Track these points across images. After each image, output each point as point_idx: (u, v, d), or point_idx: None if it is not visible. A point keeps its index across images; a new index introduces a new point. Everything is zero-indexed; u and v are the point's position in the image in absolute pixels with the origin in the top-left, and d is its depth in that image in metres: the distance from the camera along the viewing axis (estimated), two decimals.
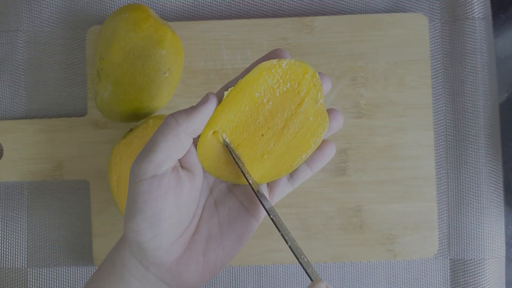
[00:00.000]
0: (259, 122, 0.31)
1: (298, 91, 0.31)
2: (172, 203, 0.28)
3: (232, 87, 0.30)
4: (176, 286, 0.30)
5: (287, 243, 0.28)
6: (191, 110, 0.28)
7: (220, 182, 0.32)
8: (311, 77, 0.30)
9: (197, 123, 0.28)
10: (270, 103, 0.30)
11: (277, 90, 0.30)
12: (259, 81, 0.30)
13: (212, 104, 0.29)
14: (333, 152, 0.32)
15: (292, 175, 0.32)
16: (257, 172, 0.31)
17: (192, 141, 0.29)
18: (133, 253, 0.29)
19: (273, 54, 0.31)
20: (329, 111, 0.32)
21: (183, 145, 0.28)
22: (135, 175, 0.28)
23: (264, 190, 0.32)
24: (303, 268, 0.28)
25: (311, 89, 0.31)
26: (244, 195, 0.31)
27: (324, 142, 0.32)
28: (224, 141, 0.30)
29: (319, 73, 0.31)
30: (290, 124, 0.31)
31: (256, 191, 0.30)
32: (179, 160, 0.30)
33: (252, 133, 0.31)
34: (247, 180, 0.30)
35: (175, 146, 0.28)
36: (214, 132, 0.30)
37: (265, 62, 0.30)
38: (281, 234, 0.28)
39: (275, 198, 0.32)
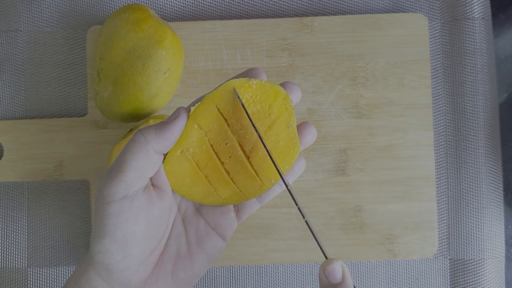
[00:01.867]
0: (227, 144, 0.29)
1: (269, 113, 0.29)
2: (143, 224, 0.27)
3: (199, 102, 0.28)
4: None
5: (303, 217, 0.28)
6: (161, 126, 0.27)
7: (187, 201, 0.31)
8: (283, 100, 0.29)
9: (167, 140, 0.27)
10: (239, 123, 0.29)
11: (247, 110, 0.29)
12: (226, 97, 0.28)
13: (182, 120, 0.28)
14: (304, 167, 0.31)
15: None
16: (223, 194, 0.30)
17: (162, 158, 0.28)
18: (99, 274, 0.28)
19: (249, 73, 0.30)
20: (302, 126, 0.30)
21: (153, 163, 0.27)
22: (104, 196, 0.27)
23: (231, 210, 0.31)
24: (319, 244, 0.28)
25: (283, 113, 0.29)
26: (211, 215, 0.31)
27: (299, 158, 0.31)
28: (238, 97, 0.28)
29: (287, 82, 0.30)
30: (260, 146, 0.29)
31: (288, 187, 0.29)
32: (150, 178, 0.29)
33: (220, 153, 0.29)
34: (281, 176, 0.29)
35: (145, 164, 0.27)
36: (182, 151, 0.29)
37: (235, 79, 0.29)
38: (298, 208, 0.28)
39: (243, 217, 0.32)
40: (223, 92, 0.28)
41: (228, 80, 0.29)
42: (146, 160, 0.27)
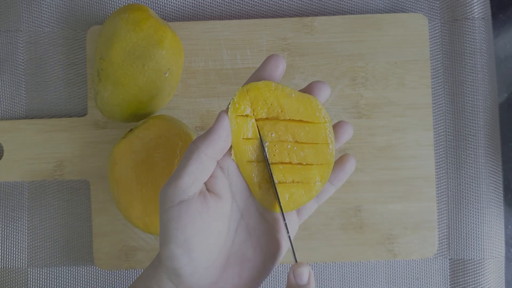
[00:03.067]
0: (272, 134, 0.31)
1: (307, 129, 0.31)
2: (202, 227, 0.28)
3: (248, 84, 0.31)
4: None
5: (284, 220, 0.30)
6: (207, 132, 0.29)
7: (250, 209, 0.32)
8: (324, 115, 0.31)
9: (214, 142, 0.29)
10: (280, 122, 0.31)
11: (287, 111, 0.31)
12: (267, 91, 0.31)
13: (224, 121, 0.29)
14: (354, 166, 0.33)
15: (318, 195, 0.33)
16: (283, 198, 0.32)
17: (215, 163, 0.30)
18: (169, 278, 0.30)
19: (270, 62, 0.31)
20: (338, 125, 0.33)
21: (205, 167, 0.29)
22: (164, 202, 0.29)
23: (293, 212, 0.33)
24: (292, 248, 0.30)
25: (322, 129, 0.31)
26: (275, 221, 0.32)
27: (344, 157, 0.33)
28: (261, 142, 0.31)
29: (317, 82, 0.32)
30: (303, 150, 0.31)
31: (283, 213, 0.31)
32: (206, 185, 0.30)
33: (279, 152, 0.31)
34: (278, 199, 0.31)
35: (197, 169, 0.28)
36: (246, 139, 0.31)
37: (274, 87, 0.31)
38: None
39: (303, 218, 0.34)
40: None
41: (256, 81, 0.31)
42: (198, 165, 0.28)
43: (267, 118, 0.31)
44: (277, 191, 0.31)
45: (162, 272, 0.30)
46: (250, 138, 0.31)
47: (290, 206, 0.31)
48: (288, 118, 0.31)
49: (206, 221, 0.29)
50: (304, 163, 0.31)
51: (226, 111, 0.30)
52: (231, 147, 0.31)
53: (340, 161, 0.33)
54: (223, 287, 0.30)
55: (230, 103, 0.30)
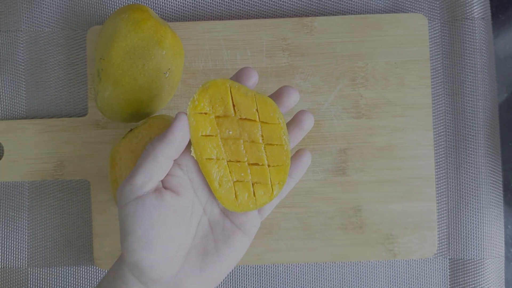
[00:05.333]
0: (230, 132, 0.32)
1: (265, 128, 0.32)
2: (159, 221, 0.29)
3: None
4: None
5: None
6: (164, 133, 0.30)
7: (212, 205, 0.33)
8: (278, 115, 0.32)
9: (171, 143, 0.30)
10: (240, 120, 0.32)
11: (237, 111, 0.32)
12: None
13: (181, 122, 0.30)
14: (309, 160, 0.34)
15: None
16: (241, 198, 0.32)
17: (171, 163, 0.31)
18: (131, 271, 0.30)
19: (243, 74, 0.33)
20: (295, 116, 0.34)
21: (161, 167, 0.30)
22: (120, 199, 0.30)
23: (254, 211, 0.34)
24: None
25: (277, 128, 0.32)
26: (235, 215, 0.33)
27: (300, 151, 0.34)
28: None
29: (285, 87, 0.32)
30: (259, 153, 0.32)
31: None
32: (163, 182, 0.31)
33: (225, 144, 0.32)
34: None
35: (153, 168, 0.30)
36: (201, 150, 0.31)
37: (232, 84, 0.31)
38: None
39: (264, 215, 0.35)
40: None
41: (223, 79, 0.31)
42: (154, 164, 0.30)
43: (224, 116, 0.31)
44: (236, 190, 0.32)
45: (125, 267, 0.31)
46: (209, 135, 0.31)
47: (250, 206, 0.32)
48: (244, 117, 0.31)
49: (164, 215, 0.30)
50: (261, 164, 0.32)
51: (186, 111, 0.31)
52: (190, 143, 0.31)
53: (297, 156, 0.34)
54: (184, 279, 0.31)
55: (190, 100, 0.31)
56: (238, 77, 0.33)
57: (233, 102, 0.31)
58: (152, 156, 0.30)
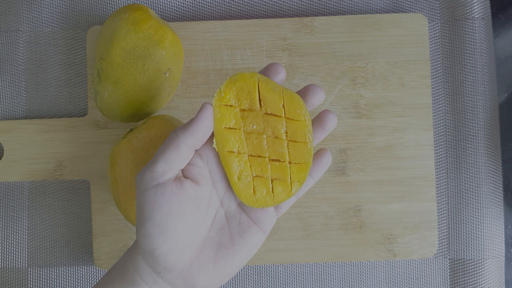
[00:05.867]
0: (254, 126, 0.31)
1: (291, 124, 0.32)
2: (177, 209, 0.29)
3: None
4: None
5: None
6: (188, 122, 0.30)
7: (229, 198, 0.33)
8: (305, 112, 0.31)
9: (194, 133, 0.30)
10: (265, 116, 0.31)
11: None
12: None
13: (207, 113, 0.30)
14: (330, 160, 0.34)
15: None
16: (260, 194, 0.32)
17: (193, 152, 0.31)
18: (145, 259, 0.30)
19: (270, 69, 0.32)
20: (320, 114, 0.33)
21: (183, 156, 0.30)
22: (140, 185, 0.30)
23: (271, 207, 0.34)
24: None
25: (303, 125, 0.31)
26: (252, 210, 0.33)
27: (321, 151, 0.34)
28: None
29: (311, 86, 0.32)
30: (280, 150, 0.32)
31: None
32: (183, 171, 0.31)
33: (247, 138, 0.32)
34: None
35: (175, 157, 0.30)
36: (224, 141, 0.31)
37: (261, 77, 0.31)
38: None
39: (281, 212, 0.34)
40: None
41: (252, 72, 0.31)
42: (176, 153, 0.30)
43: (250, 109, 0.31)
44: (255, 185, 0.32)
45: (138, 254, 0.31)
46: (233, 128, 0.31)
47: (267, 202, 0.32)
48: (270, 112, 0.31)
49: (182, 203, 0.30)
50: (282, 160, 0.31)
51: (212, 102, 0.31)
52: (213, 134, 0.31)
53: (317, 156, 0.34)
54: (197, 270, 0.31)
55: (216, 92, 0.31)
56: (265, 72, 0.32)
57: (259, 96, 0.31)
58: (174, 145, 0.30)
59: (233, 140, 0.31)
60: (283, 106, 0.31)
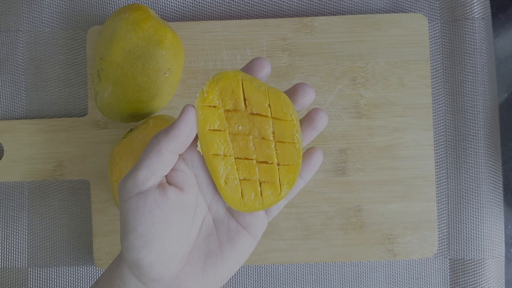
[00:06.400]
0: (239, 127, 0.30)
1: (278, 123, 0.30)
2: (161, 219, 0.28)
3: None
4: None
5: None
6: (170, 126, 0.29)
7: (217, 202, 0.32)
8: (292, 111, 0.30)
9: (176, 137, 0.28)
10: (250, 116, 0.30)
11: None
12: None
13: (188, 115, 0.29)
14: (321, 159, 0.33)
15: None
16: (248, 198, 0.31)
17: (176, 157, 0.29)
18: (131, 270, 0.29)
19: (254, 65, 0.31)
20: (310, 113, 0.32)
21: (165, 162, 0.29)
22: (122, 194, 0.29)
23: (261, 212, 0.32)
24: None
25: (290, 126, 0.30)
26: (241, 215, 0.31)
27: (311, 150, 0.32)
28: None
29: (300, 84, 0.31)
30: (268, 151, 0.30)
31: None
32: (167, 177, 0.30)
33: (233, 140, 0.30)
34: None
35: (157, 163, 0.28)
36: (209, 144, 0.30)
37: (245, 76, 0.30)
38: None
39: (272, 215, 0.33)
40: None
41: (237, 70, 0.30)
42: (158, 159, 0.28)
43: (234, 110, 0.30)
44: (242, 188, 0.30)
45: (124, 265, 0.30)
46: (217, 130, 0.30)
47: (256, 206, 0.31)
48: (255, 112, 0.30)
49: (166, 212, 0.28)
50: (270, 162, 0.30)
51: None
52: (197, 138, 0.30)
53: (307, 155, 0.32)
54: (185, 280, 0.30)
55: (199, 92, 0.29)
56: (249, 68, 0.31)
57: (244, 96, 0.30)
58: (156, 150, 0.28)
59: (218, 143, 0.30)
60: (269, 105, 0.30)
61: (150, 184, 0.29)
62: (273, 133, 0.30)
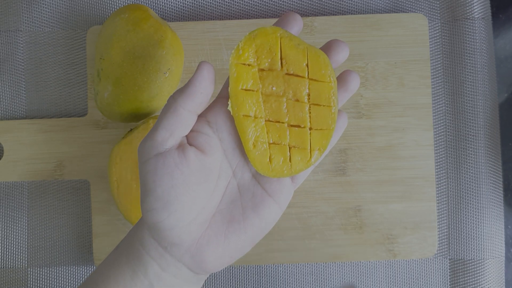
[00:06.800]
0: (274, 88, 0.29)
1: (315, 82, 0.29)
2: (181, 181, 0.27)
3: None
4: (195, 267, 0.29)
5: None
6: (186, 84, 0.28)
7: (243, 168, 0.30)
8: (330, 72, 0.29)
9: (193, 95, 0.28)
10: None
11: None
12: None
13: (204, 72, 0.28)
14: (346, 121, 0.32)
15: None
16: (276, 163, 0.29)
17: (195, 117, 0.29)
18: (151, 234, 0.29)
19: (285, 20, 0.30)
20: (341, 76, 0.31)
21: (184, 121, 0.28)
22: (141, 155, 0.28)
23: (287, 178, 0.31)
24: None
25: (327, 86, 0.29)
26: (268, 182, 0.30)
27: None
28: None
29: (335, 41, 0.30)
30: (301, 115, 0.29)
31: None
32: (189, 139, 0.29)
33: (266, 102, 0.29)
34: None
35: (175, 123, 0.28)
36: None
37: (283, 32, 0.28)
38: None
39: (298, 183, 0.32)
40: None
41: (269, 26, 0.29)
42: (175, 119, 0.28)
43: (270, 69, 0.28)
44: (271, 152, 0.29)
45: (144, 228, 0.29)
46: (250, 89, 0.28)
47: (284, 171, 0.29)
48: (292, 72, 0.28)
49: (186, 175, 0.28)
50: (303, 126, 0.29)
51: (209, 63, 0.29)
52: (228, 97, 0.29)
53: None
54: (206, 245, 0.29)
55: (234, 49, 0.28)
56: (281, 23, 0.29)
57: (281, 55, 0.28)
58: (172, 110, 0.27)
59: (249, 103, 0.28)
60: (307, 65, 0.28)
61: (169, 145, 0.28)
62: (309, 95, 0.29)
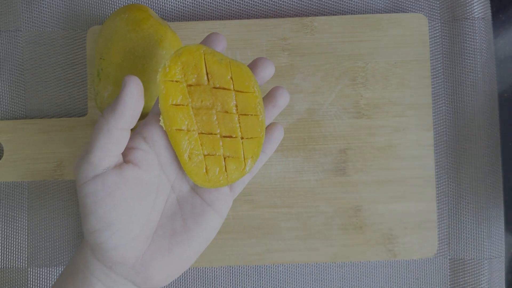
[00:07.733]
0: (202, 102, 0.30)
1: (241, 97, 0.30)
2: (121, 200, 0.28)
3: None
4: (142, 283, 0.29)
5: None
6: (114, 102, 0.28)
7: (181, 181, 0.31)
8: (254, 83, 0.30)
9: (123, 113, 0.27)
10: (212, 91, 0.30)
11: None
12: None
13: (130, 88, 0.27)
14: (282, 133, 0.33)
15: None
16: (212, 173, 0.30)
17: (128, 134, 0.29)
18: (94, 255, 0.29)
19: (211, 39, 0.31)
20: (274, 89, 0.32)
21: (117, 140, 0.28)
22: (78, 178, 0.28)
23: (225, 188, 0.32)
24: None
25: (253, 97, 0.30)
26: (206, 192, 0.31)
27: (271, 125, 0.32)
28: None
29: (260, 59, 0.31)
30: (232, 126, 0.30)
31: None
32: (125, 157, 0.29)
33: (196, 114, 0.30)
34: None
35: (109, 142, 0.27)
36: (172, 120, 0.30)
37: (206, 49, 0.30)
38: None
39: (237, 191, 0.33)
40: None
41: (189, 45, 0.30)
42: (108, 138, 0.27)
43: (197, 84, 0.30)
44: (206, 164, 0.30)
45: (87, 250, 0.29)
46: (180, 104, 0.29)
47: (220, 181, 0.30)
48: (218, 85, 0.30)
49: (126, 194, 0.28)
50: (234, 136, 0.30)
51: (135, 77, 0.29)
52: (159, 113, 0.29)
53: (268, 131, 0.32)
54: (150, 261, 0.29)
55: (161, 67, 0.29)
56: (205, 42, 0.31)
57: (206, 70, 0.30)
58: (105, 131, 0.27)
59: (181, 117, 0.29)
60: (231, 78, 0.30)
61: (106, 165, 0.28)
62: (236, 106, 0.30)
